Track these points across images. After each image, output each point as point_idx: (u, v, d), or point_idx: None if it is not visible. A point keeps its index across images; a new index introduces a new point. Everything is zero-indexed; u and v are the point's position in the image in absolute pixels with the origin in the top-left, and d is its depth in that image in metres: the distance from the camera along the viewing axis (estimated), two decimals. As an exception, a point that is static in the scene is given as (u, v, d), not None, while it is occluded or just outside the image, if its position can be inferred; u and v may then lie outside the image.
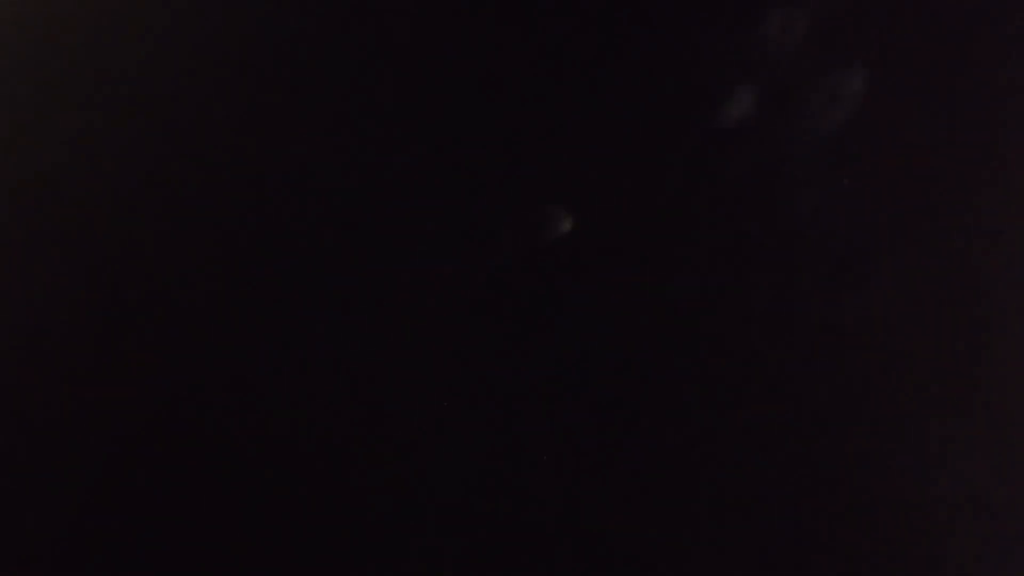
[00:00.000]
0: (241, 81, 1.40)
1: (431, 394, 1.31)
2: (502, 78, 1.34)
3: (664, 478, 1.26)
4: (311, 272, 1.35)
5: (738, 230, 1.28)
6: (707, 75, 1.29)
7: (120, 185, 1.40)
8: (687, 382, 1.28)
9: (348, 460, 1.32)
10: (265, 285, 1.35)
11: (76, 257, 1.39)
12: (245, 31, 1.39)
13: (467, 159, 1.34)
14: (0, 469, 1.28)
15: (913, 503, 1.23)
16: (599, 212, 1.31)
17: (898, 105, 1.25)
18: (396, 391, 1.31)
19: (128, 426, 1.32)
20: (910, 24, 1.24)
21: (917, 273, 1.26)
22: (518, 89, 1.33)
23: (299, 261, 1.36)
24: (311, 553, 1.32)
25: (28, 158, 1.40)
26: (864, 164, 1.27)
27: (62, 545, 1.24)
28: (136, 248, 1.39)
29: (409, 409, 1.30)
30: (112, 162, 1.40)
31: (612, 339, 1.30)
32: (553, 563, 1.27)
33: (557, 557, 1.29)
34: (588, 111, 1.33)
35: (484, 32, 1.33)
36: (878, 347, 1.25)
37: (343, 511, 1.30)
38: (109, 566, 1.26)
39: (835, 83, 1.23)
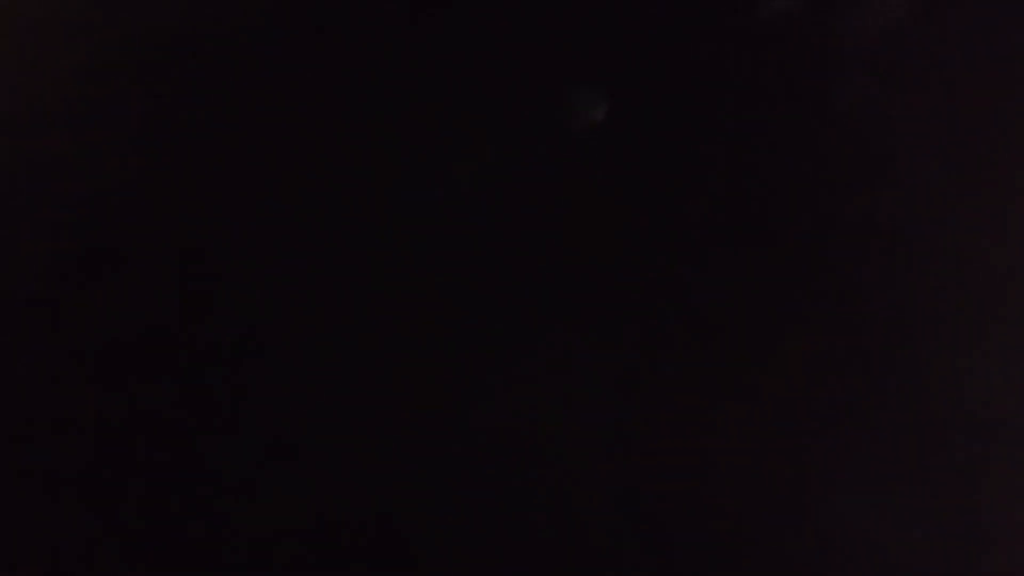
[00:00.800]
0: None
1: (464, 290, 1.30)
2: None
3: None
4: (347, 162, 1.34)
5: (775, 125, 1.28)
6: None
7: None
8: (718, 271, 1.27)
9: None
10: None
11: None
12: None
13: (502, 45, 1.33)
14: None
15: (943, 402, 1.21)
16: (633, 102, 1.30)
17: (944, 9, 1.26)
18: (425, 285, 1.29)
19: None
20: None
21: (950, 174, 1.25)
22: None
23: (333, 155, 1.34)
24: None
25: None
26: (906, 65, 1.26)
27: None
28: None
29: (439, 306, 1.29)
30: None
31: (644, 226, 1.29)
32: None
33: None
34: (627, 1, 1.32)
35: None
36: (910, 244, 1.24)
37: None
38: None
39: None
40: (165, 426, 1.30)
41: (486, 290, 1.32)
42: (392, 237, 1.33)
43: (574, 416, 1.29)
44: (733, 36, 1.31)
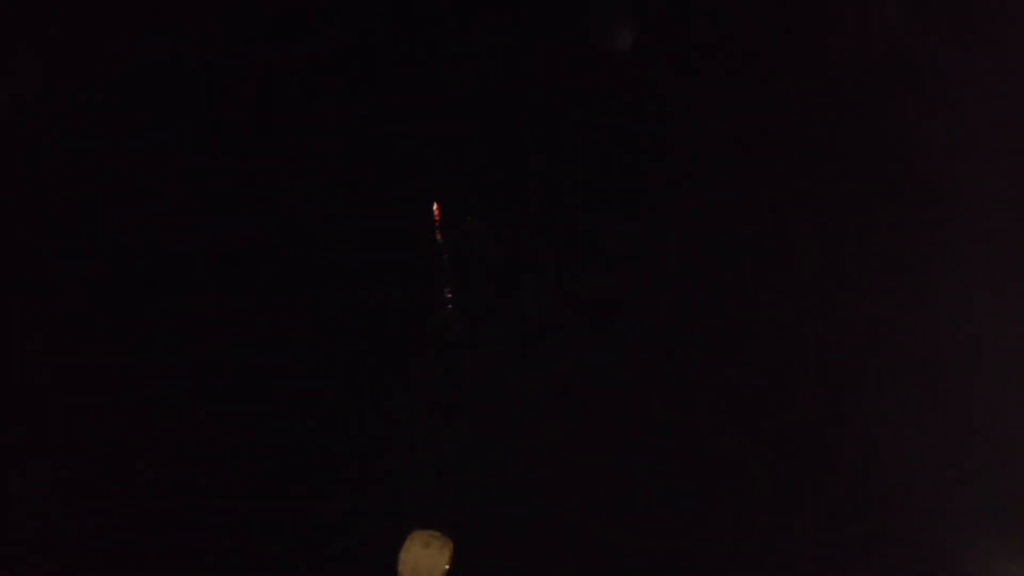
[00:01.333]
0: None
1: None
2: None
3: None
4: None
5: (821, 48, 1.27)
6: None
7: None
8: (743, 182, 1.27)
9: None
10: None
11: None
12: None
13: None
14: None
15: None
16: (667, 27, 1.30)
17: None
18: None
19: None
20: None
21: (995, 97, 1.26)
22: None
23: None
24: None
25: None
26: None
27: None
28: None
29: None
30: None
31: (674, 136, 1.30)
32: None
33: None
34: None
35: None
36: (956, 164, 1.24)
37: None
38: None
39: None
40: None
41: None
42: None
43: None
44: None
